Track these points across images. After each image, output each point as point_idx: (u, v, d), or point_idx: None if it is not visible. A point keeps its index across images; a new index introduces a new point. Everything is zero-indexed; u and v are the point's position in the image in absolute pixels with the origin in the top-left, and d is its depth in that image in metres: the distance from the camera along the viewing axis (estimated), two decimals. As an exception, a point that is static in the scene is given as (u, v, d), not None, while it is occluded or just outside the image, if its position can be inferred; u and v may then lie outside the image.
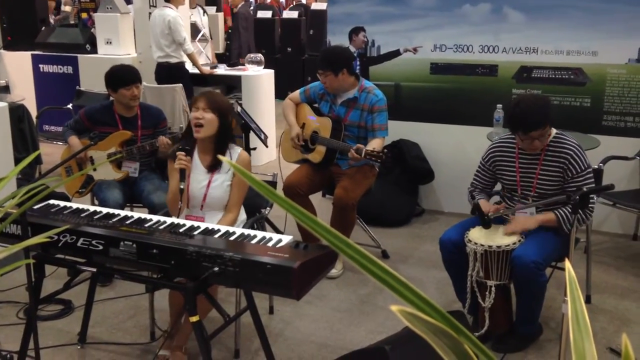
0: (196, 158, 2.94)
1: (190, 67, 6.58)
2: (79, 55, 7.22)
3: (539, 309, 2.99)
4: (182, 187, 2.80)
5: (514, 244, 2.89)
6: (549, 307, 3.35)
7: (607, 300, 3.53)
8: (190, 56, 6.39)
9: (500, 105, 4.31)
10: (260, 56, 6.76)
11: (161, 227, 2.53)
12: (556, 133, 3.01)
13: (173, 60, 6.28)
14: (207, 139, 2.87)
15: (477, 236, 2.96)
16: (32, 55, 7.49)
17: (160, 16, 6.22)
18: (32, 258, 2.50)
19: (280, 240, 2.37)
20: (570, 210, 2.89)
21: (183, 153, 2.81)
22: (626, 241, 4.42)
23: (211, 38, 8.58)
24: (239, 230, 2.50)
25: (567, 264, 0.88)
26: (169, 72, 6.25)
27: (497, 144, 3.16)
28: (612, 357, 2.98)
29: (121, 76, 3.68)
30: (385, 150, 3.51)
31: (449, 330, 0.65)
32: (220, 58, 9.05)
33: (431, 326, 0.66)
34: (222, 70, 6.81)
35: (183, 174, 2.81)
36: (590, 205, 2.86)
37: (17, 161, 4.41)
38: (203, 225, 2.55)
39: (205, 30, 7.89)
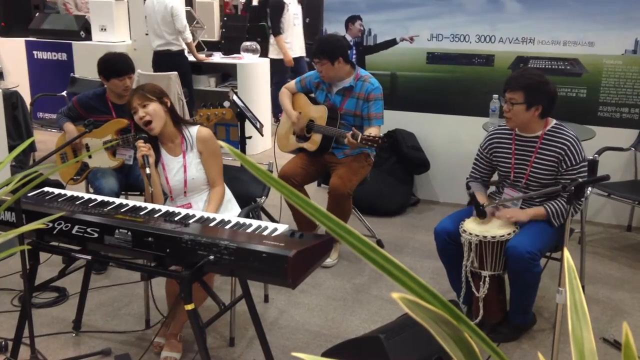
0: (163, 152, 2.92)
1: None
2: (73, 42, 7.17)
3: (533, 299, 3.00)
4: (148, 172, 2.78)
5: (509, 234, 2.90)
6: (542, 297, 3.37)
7: (601, 290, 3.55)
8: (188, 45, 6.35)
9: (497, 96, 4.31)
10: (256, 44, 6.73)
11: (156, 215, 2.53)
12: (555, 123, 3.01)
13: (174, 48, 6.23)
14: (165, 126, 2.84)
15: (472, 226, 2.96)
16: (26, 41, 7.43)
17: (160, 3, 6.14)
18: (21, 248, 2.48)
19: (275, 229, 2.36)
20: (559, 203, 2.91)
21: (142, 141, 2.79)
22: (620, 232, 4.44)
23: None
24: (234, 219, 2.49)
25: (566, 253, 0.88)
26: (169, 60, 6.20)
27: (496, 130, 3.17)
28: (606, 347, 3.00)
29: (114, 66, 3.66)
30: (382, 135, 3.51)
31: (449, 317, 0.65)
32: (215, 46, 8.99)
33: (431, 314, 0.66)
34: (218, 58, 6.78)
35: (147, 161, 2.78)
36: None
37: (10, 149, 4.39)
38: (198, 214, 2.55)
39: (298, 21, 7.41)
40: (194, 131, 2.90)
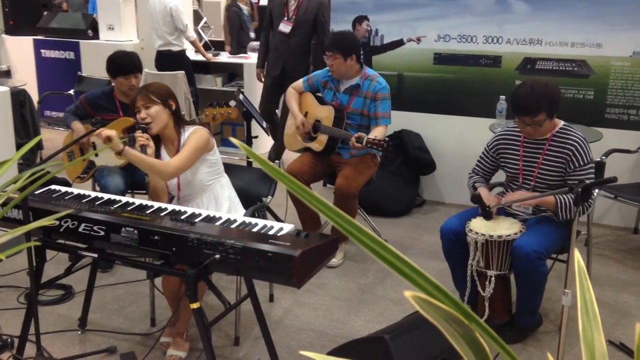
0: (163, 152, 2.90)
1: (191, 55, 6.56)
2: (80, 40, 7.20)
3: (539, 300, 3.00)
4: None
5: (515, 234, 2.89)
6: (548, 299, 3.36)
7: (607, 293, 3.53)
8: (193, 43, 6.37)
9: (504, 97, 4.30)
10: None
11: (163, 213, 2.53)
12: (563, 125, 3.00)
13: (175, 49, 6.25)
14: (166, 128, 2.82)
15: (479, 226, 2.96)
16: (34, 40, 7.47)
17: (160, 3, 6.17)
18: (30, 245, 2.49)
19: (281, 229, 2.36)
20: (569, 198, 2.89)
21: (140, 131, 2.76)
22: (627, 234, 4.43)
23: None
24: (240, 218, 2.49)
25: (576, 253, 0.88)
26: (170, 61, 6.21)
27: (504, 132, 3.16)
28: (612, 349, 2.99)
29: (121, 64, 3.67)
30: (387, 138, 3.50)
31: (461, 316, 0.65)
32: (222, 45, 9.00)
33: (442, 312, 0.66)
34: (225, 57, 6.78)
35: (145, 152, 2.74)
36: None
37: (18, 146, 4.40)
38: (204, 213, 2.55)
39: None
40: (189, 130, 2.86)
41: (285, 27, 5.26)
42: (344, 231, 0.69)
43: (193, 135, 2.81)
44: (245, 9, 8.64)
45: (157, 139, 2.87)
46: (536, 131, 2.93)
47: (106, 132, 2.69)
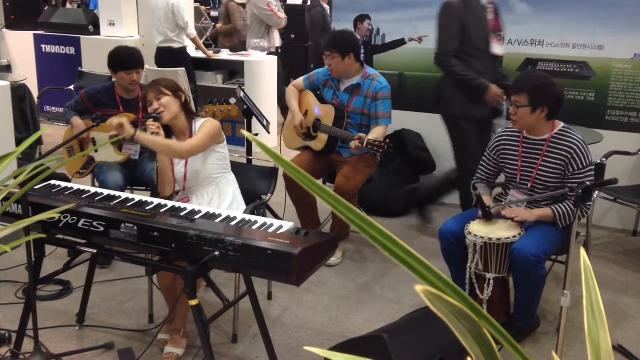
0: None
1: (192, 52, 6.55)
2: (81, 36, 7.20)
3: (538, 302, 2.99)
4: None
5: (514, 236, 2.89)
6: (546, 301, 3.36)
7: (606, 295, 3.53)
8: (193, 40, 6.37)
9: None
10: (264, 41, 6.73)
11: (162, 210, 2.53)
12: (563, 126, 3.00)
13: (176, 45, 6.25)
14: (177, 119, 2.91)
15: (478, 228, 2.95)
16: (35, 35, 7.46)
17: (163, 0, 6.18)
18: (33, 238, 2.49)
19: (281, 227, 2.36)
20: (567, 206, 2.89)
21: (151, 120, 2.84)
22: (626, 237, 4.43)
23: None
24: (240, 216, 2.49)
25: (582, 253, 0.88)
26: (171, 57, 6.21)
27: (504, 132, 3.16)
28: (609, 351, 2.99)
29: (123, 59, 3.67)
30: (387, 140, 3.50)
31: (470, 312, 0.65)
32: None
33: (452, 308, 0.66)
34: (225, 55, 6.78)
35: None
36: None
37: (17, 141, 4.39)
38: (204, 210, 2.55)
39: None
40: (200, 123, 2.94)
41: (499, 49, 4.08)
42: (354, 225, 0.69)
43: (206, 123, 2.92)
44: (327, 8, 8.09)
45: (168, 133, 2.93)
46: (517, 116, 2.93)
47: (116, 120, 2.77)
